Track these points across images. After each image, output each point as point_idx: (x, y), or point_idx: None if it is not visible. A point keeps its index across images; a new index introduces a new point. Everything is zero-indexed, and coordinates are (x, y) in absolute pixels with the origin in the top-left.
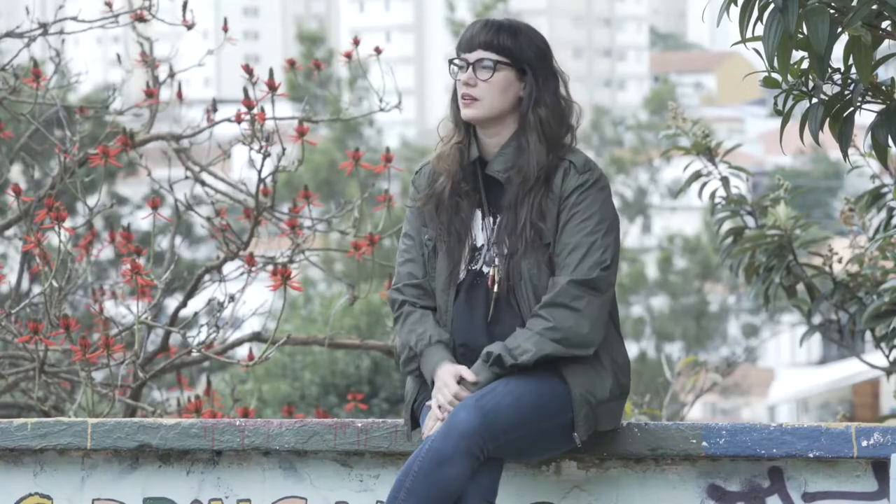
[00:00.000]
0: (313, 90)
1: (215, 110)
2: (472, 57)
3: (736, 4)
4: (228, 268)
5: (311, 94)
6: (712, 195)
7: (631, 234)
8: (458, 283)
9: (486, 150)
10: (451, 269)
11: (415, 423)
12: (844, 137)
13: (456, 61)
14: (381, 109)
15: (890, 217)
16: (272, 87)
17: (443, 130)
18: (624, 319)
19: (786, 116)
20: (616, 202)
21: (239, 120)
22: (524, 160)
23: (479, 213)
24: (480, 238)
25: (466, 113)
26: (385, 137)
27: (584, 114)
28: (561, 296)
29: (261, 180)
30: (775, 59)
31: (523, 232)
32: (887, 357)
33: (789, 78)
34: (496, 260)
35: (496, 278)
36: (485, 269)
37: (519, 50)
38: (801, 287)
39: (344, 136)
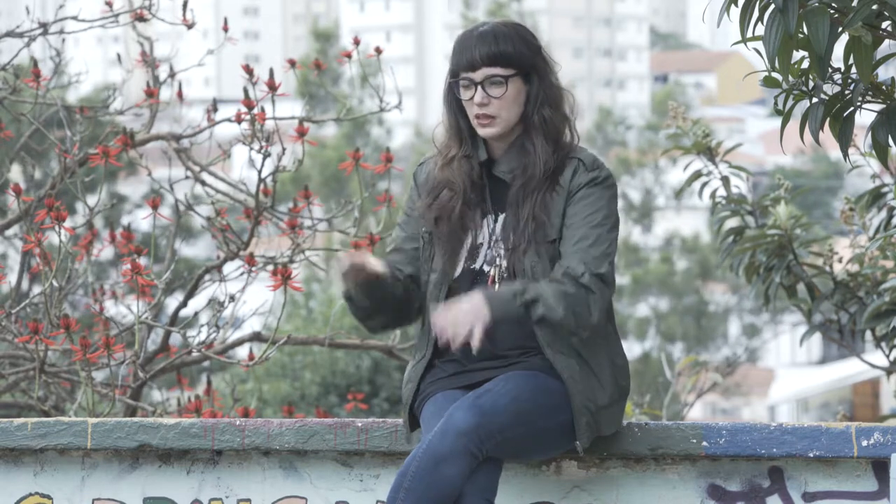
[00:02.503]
0: (325, 88)
1: (215, 110)
2: (479, 76)
3: (736, 5)
4: (228, 268)
5: (322, 92)
6: (713, 195)
7: (634, 235)
8: (451, 281)
9: (492, 150)
10: (448, 268)
11: (414, 424)
12: (844, 137)
13: (461, 82)
14: (382, 109)
15: (890, 217)
16: (272, 86)
17: (438, 138)
18: (627, 319)
19: (786, 116)
20: (621, 203)
21: (239, 120)
22: (530, 161)
23: (480, 214)
24: (481, 236)
25: (486, 133)
26: (393, 136)
27: (586, 114)
28: (581, 277)
29: (261, 180)
30: (776, 59)
31: (525, 227)
32: (887, 357)
33: (790, 78)
34: (496, 259)
35: (496, 278)
36: (486, 268)
37: (520, 56)
38: (801, 287)
39: (353, 132)
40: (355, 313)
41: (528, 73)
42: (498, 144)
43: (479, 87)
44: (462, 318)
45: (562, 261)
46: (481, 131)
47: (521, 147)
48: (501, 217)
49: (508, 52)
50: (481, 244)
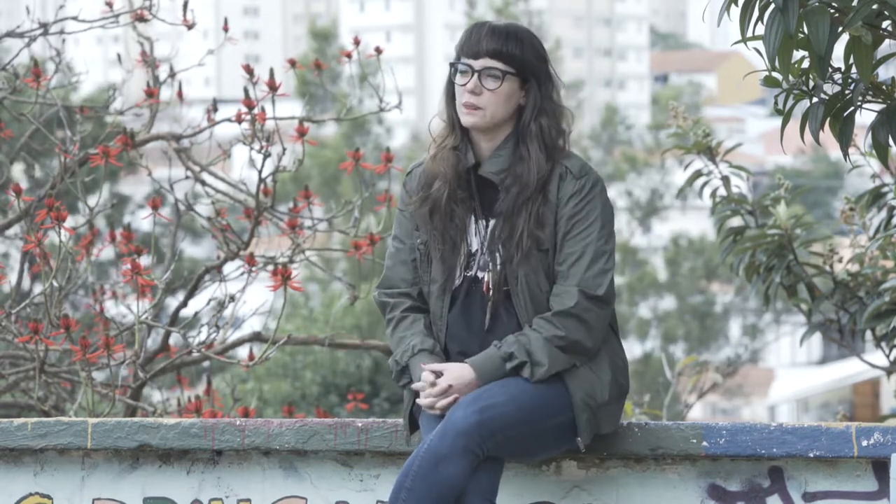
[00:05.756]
0: (324, 87)
1: (216, 110)
2: (479, 64)
3: (736, 4)
4: (229, 268)
5: (321, 92)
6: (713, 194)
7: (637, 235)
8: (453, 289)
9: (480, 153)
10: (446, 276)
11: (414, 426)
12: (845, 137)
13: (459, 66)
14: (382, 109)
15: (890, 216)
16: (272, 86)
17: (435, 129)
18: (629, 319)
19: (786, 116)
20: (624, 202)
21: (239, 120)
22: (524, 168)
23: (472, 218)
24: (475, 243)
25: (468, 120)
26: (393, 135)
27: (587, 114)
28: (575, 308)
29: (261, 180)
30: (776, 59)
31: (520, 241)
32: (887, 356)
33: (790, 77)
34: (490, 265)
35: (490, 284)
36: (479, 275)
37: (524, 60)
38: (801, 287)
39: (352, 132)
40: None
41: (526, 78)
42: (485, 146)
43: (476, 76)
44: (452, 387)
45: (558, 283)
46: (464, 119)
47: (513, 152)
48: (492, 222)
49: (514, 52)
50: (476, 250)
